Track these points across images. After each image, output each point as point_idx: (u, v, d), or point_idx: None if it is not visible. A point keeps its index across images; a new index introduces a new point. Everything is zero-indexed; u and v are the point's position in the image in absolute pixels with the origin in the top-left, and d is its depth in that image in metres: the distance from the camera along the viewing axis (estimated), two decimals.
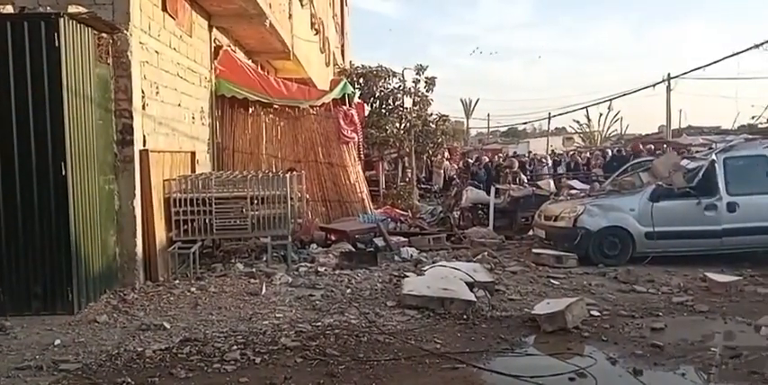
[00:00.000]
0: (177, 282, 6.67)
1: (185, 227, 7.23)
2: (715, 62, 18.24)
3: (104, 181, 6.04)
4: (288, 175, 7.75)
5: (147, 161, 6.47)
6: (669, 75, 23.85)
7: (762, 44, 13.22)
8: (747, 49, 14.52)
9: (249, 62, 10.75)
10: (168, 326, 5.05)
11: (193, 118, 8.35)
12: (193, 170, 8.11)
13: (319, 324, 5.21)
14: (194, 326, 5.14)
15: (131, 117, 6.22)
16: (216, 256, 8.01)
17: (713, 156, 8.56)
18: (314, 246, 8.88)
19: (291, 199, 7.65)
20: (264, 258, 7.75)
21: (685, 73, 22.33)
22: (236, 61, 9.80)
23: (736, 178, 8.39)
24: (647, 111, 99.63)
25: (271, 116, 10.48)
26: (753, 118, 23.54)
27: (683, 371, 4.37)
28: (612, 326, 5.34)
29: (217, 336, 4.83)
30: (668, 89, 23.92)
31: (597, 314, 5.67)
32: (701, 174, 8.41)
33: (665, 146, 14.09)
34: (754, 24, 72.24)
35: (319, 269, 7.42)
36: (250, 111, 10.20)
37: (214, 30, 9.17)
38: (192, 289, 6.35)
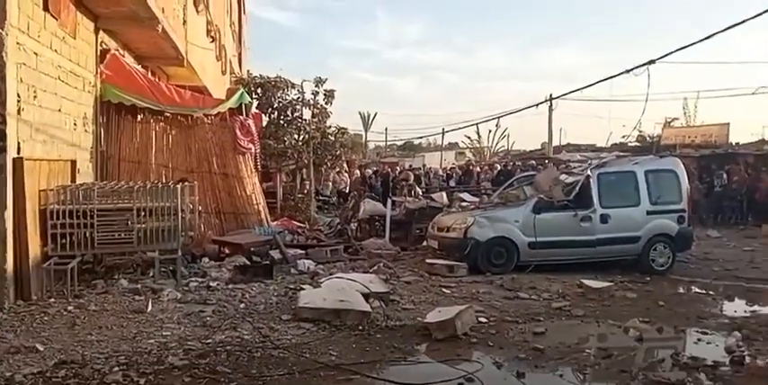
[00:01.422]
0: (53, 300, 6.19)
1: (63, 241, 6.74)
2: (591, 85, 19.67)
3: None
4: (179, 186, 7.46)
5: (22, 170, 5.98)
6: (551, 95, 25.54)
7: (631, 69, 14.49)
8: (619, 74, 15.82)
9: (139, 67, 10.26)
10: (41, 349, 4.68)
11: (75, 124, 7.84)
12: (74, 180, 7.60)
13: (210, 341, 5.06)
14: (71, 347, 4.80)
15: (5, 122, 5.74)
16: (97, 272, 7.52)
17: (588, 172, 9.26)
18: (206, 259, 8.59)
19: (182, 211, 7.37)
20: (151, 273, 7.39)
21: (565, 94, 23.98)
22: (125, 66, 9.33)
23: (608, 192, 9.14)
24: (532, 129, 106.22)
25: (161, 124, 10.05)
26: (623, 137, 25.93)
27: (562, 372, 4.69)
28: (498, 332, 5.63)
29: (96, 358, 4.55)
30: (550, 109, 25.57)
31: (485, 320, 5.96)
32: (577, 188, 9.07)
33: (546, 161, 15.05)
34: (626, 51, 79.51)
35: (211, 284, 7.20)
36: (139, 118, 9.73)
37: (101, 32, 8.68)
38: (70, 307, 5.94)
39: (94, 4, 7.98)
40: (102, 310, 5.95)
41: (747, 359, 4.91)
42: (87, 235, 6.89)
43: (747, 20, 10.57)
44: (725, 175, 15.93)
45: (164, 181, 8.86)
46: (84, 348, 4.78)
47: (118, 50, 9.42)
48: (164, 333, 5.26)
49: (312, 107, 15.36)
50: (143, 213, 7.11)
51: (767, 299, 7.51)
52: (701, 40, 11.89)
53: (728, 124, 22.69)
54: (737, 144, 22.04)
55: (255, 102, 14.34)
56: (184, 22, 11.05)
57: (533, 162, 17.75)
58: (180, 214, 7.29)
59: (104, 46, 8.89)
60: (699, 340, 5.69)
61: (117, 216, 7.04)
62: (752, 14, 10.38)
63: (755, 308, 7.17)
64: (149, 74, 10.87)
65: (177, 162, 10.11)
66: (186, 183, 7.81)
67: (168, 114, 10.01)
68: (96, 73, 8.64)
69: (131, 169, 9.54)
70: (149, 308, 5.99)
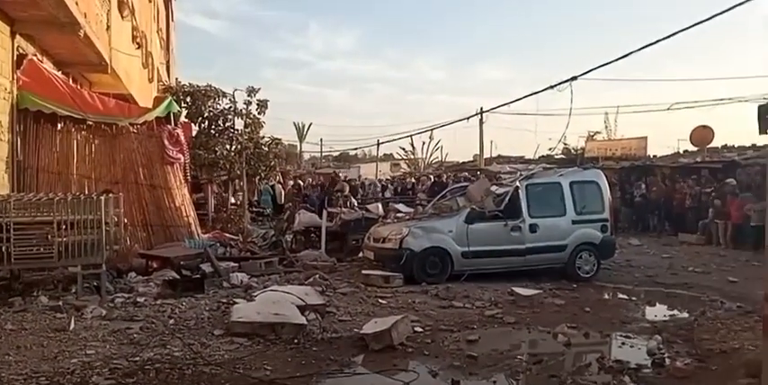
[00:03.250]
0: None
1: None
2: (518, 99, 20.33)
3: None
4: (102, 198, 7.15)
5: None
6: (482, 109, 26.30)
7: (555, 85, 15.13)
8: (544, 89, 16.44)
9: (59, 74, 9.78)
10: None
11: None
12: None
13: (137, 359, 4.86)
14: None
15: None
16: (14, 289, 7.06)
17: (517, 183, 9.53)
18: (132, 274, 8.24)
19: (107, 224, 7.06)
20: (74, 290, 7.02)
21: (494, 108, 24.73)
22: (44, 72, 8.87)
23: (536, 203, 9.43)
24: (465, 141, 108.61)
25: (84, 133, 9.61)
26: (550, 149, 26.98)
27: (495, 378, 4.81)
28: (434, 341, 5.70)
29: (15, 379, 4.29)
30: (481, 122, 26.31)
31: (420, 330, 6.03)
32: (507, 199, 9.31)
33: (478, 173, 15.44)
34: (551, 68, 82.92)
35: (138, 299, 6.92)
36: (59, 126, 9.26)
37: (17, 37, 8.24)
38: None
39: (10, 7, 7.59)
40: (20, 329, 5.62)
41: (668, 361, 5.18)
42: (3, 249, 6.51)
43: (659, 40, 11.32)
44: (644, 186, 16.83)
45: (86, 192, 8.46)
46: (1, 369, 4.50)
47: (36, 56, 8.96)
48: (88, 352, 5.01)
49: (244, 117, 15.09)
50: (64, 226, 6.76)
51: (685, 303, 7.96)
52: (620, 59, 12.59)
53: (646, 138, 24.00)
54: (655, 156, 23.32)
55: (185, 112, 13.95)
56: (108, 27, 10.64)
57: (466, 173, 18.14)
58: (104, 227, 6.98)
59: (21, 51, 8.44)
60: (623, 344, 5.96)
61: (36, 229, 6.67)
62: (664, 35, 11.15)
63: (674, 312, 7.60)
64: (71, 81, 10.39)
65: (101, 173, 9.70)
66: (110, 195, 7.51)
67: (91, 123, 9.60)
68: (12, 79, 8.19)
69: (51, 180, 9.07)
70: (72, 326, 5.69)
